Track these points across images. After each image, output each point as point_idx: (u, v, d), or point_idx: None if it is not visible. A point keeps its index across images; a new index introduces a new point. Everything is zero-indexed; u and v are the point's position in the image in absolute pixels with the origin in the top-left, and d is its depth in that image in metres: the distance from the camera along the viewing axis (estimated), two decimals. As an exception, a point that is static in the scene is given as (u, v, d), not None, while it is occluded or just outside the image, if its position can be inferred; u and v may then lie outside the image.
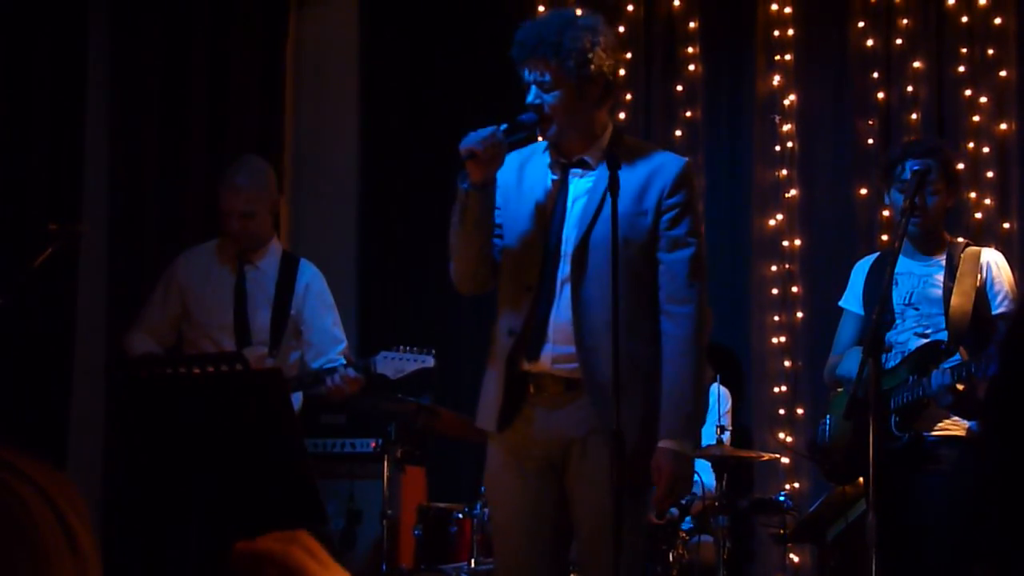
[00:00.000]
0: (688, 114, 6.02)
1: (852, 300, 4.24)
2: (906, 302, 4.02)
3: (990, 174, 5.61)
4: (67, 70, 5.37)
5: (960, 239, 4.21)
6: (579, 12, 3.29)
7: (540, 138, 3.31)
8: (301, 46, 6.30)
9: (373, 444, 5.06)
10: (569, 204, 3.23)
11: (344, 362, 4.32)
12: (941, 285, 4.01)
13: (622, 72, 5.22)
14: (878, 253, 4.32)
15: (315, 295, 4.54)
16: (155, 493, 4.24)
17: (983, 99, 5.64)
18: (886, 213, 5.45)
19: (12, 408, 5.00)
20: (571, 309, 3.15)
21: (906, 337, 3.99)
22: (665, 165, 3.23)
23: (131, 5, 5.61)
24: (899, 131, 5.67)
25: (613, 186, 3.06)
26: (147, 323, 4.54)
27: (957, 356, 3.90)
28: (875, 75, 5.77)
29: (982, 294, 4.00)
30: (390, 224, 6.16)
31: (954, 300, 3.97)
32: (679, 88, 6.04)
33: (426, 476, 5.32)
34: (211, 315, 4.46)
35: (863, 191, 5.71)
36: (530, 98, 3.17)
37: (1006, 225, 5.57)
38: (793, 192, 5.84)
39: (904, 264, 4.02)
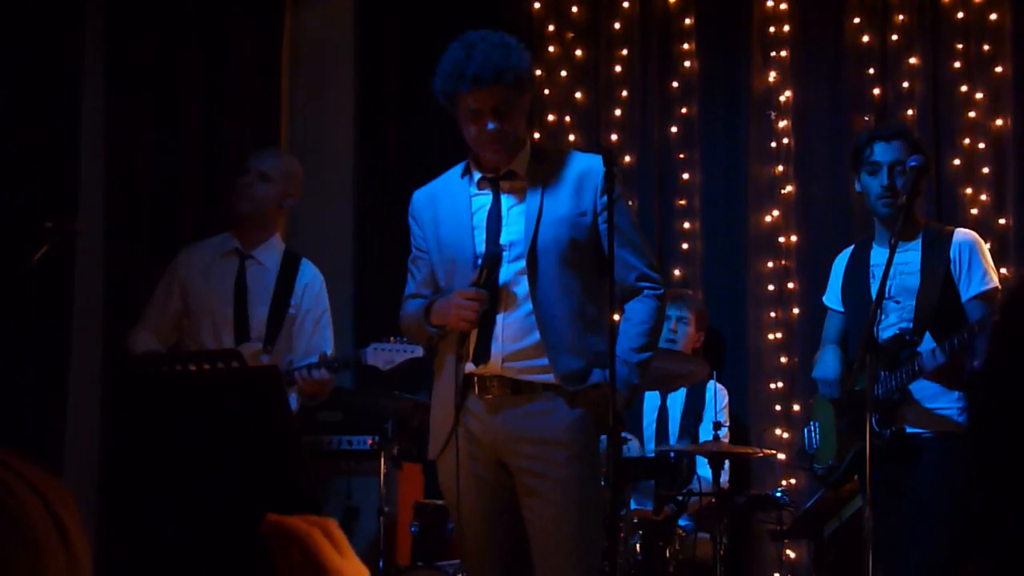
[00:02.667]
0: (684, 111, 6.03)
1: (831, 296, 4.23)
2: (886, 295, 3.95)
3: (986, 170, 5.62)
4: (62, 66, 5.36)
5: (934, 222, 4.17)
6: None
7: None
8: (297, 43, 6.29)
9: (370, 441, 5.06)
10: (504, 214, 3.35)
11: (316, 360, 4.32)
12: (917, 274, 3.96)
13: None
14: (852, 245, 4.28)
15: (313, 297, 4.55)
16: (151, 491, 4.23)
17: (979, 95, 5.64)
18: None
19: (8, 406, 5.00)
20: (532, 311, 3.26)
21: (891, 333, 3.94)
22: (593, 165, 3.35)
23: (127, 2, 5.61)
24: (895, 127, 5.68)
25: (609, 181, 3.20)
26: (149, 321, 4.54)
27: (928, 342, 3.85)
28: (871, 71, 5.78)
29: (950, 278, 3.93)
30: (386, 221, 6.15)
31: (923, 288, 3.92)
32: (675, 85, 6.05)
33: (423, 473, 5.32)
34: (211, 308, 4.47)
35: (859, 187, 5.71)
36: (484, 127, 3.27)
37: (1002, 221, 5.57)
38: (789, 188, 5.85)
39: (879, 255, 3.96)
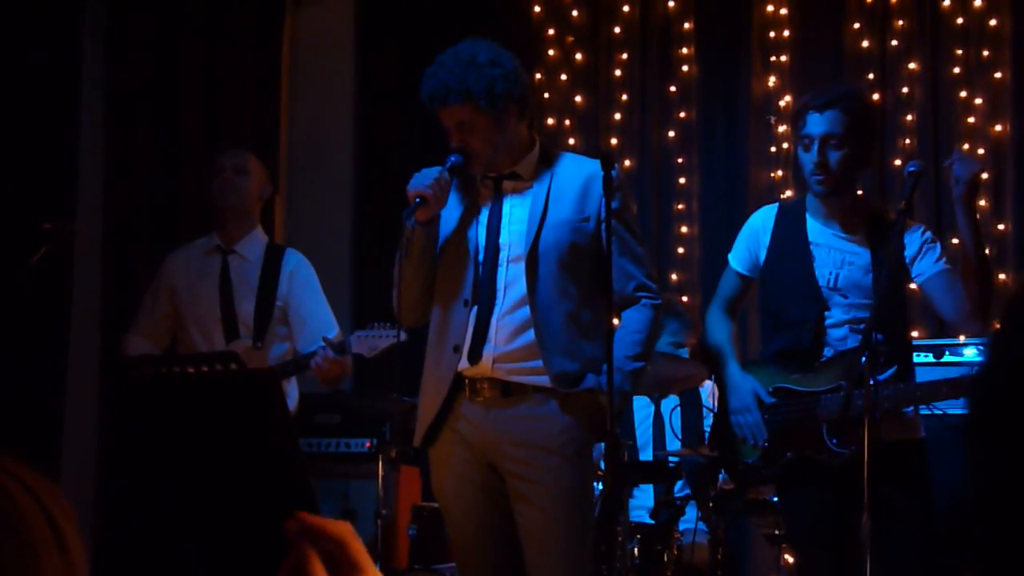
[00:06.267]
0: (683, 115, 6.03)
1: (738, 258, 3.83)
2: (830, 285, 3.55)
3: (984, 176, 5.61)
4: (62, 69, 5.37)
5: (879, 207, 3.88)
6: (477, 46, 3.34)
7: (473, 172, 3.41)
8: (297, 43, 6.30)
9: (368, 444, 5.06)
10: (506, 214, 3.34)
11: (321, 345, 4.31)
12: (868, 269, 3.52)
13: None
14: (777, 205, 3.86)
15: (301, 283, 4.52)
16: (149, 493, 4.24)
17: (978, 100, 5.65)
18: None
19: (6, 408, 5.00)
20: (529, 313, 3.26)
21: (843, 333, 3.53)
22: (600, 170, 3.31)
23: (125, 4, 5.61)
24: (894, 133, 5.68)
25: (607, 185, 3.20)
26: (141, 327, 4.54)
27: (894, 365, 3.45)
28: (870, 76, 5.78)
29: (902, 267, 3.52)
30: (385, 221, 6.16)
31: (877, 287, 3.47)
32: (673, 89, 6.05)
33: (420, 476, 5.31)
34: (199, 308, 4.45)
35: (858, 192, 5.70)
36: (453, 143, 3.31)
37: (1000, 226, 5.57)
38: (788, 193, 5.85)
39: (819, 232, 3.59)
